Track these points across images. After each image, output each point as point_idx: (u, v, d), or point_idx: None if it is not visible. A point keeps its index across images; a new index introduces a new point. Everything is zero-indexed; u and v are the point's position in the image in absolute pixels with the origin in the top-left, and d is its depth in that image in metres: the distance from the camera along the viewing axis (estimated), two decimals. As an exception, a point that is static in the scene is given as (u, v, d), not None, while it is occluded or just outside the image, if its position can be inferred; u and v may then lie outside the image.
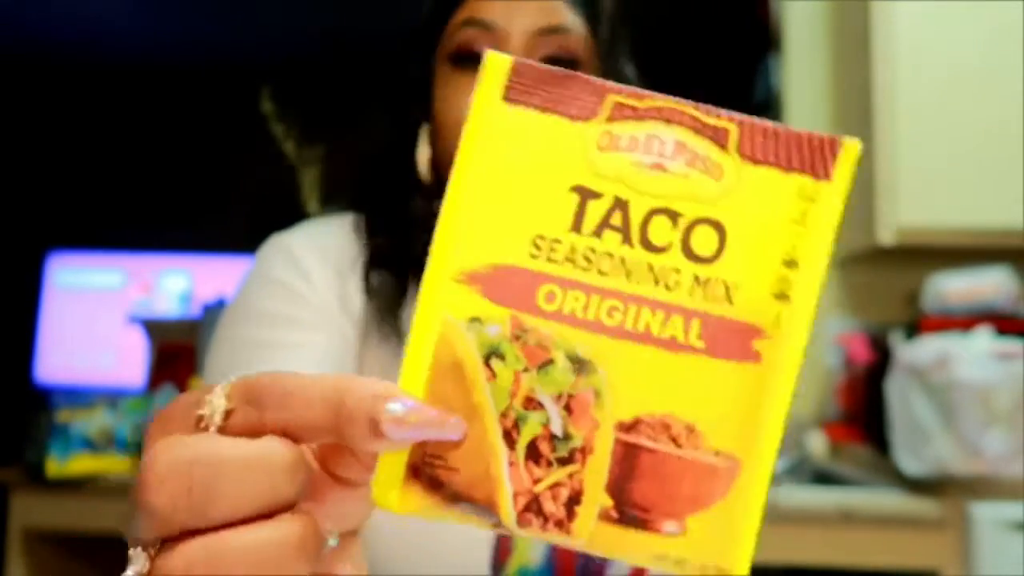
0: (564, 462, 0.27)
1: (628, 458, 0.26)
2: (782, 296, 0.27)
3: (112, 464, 1.52)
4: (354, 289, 0.64)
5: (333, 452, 0.27)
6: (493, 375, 0.27)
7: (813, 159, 0.27)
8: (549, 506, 0.27)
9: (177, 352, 1.99)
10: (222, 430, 0.25)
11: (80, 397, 1.58)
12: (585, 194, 0.27)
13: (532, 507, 0.27)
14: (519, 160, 0.28)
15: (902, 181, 1.77)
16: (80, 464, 1.49)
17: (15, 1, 3.77)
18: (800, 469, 1.83)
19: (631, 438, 0.26)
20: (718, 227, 0.27)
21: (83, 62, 4.57)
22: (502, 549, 0.58)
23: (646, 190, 0.27)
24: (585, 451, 0.27)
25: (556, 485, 0.27)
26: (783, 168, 0.27)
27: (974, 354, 1.46)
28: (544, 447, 0.27)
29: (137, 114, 5.15)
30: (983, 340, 1.53)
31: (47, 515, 1.55)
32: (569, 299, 0.27)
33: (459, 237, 0.27)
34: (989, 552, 1.40)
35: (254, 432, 0.25)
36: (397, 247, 0.65)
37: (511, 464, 0.26)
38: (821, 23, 2.23)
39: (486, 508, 0.27)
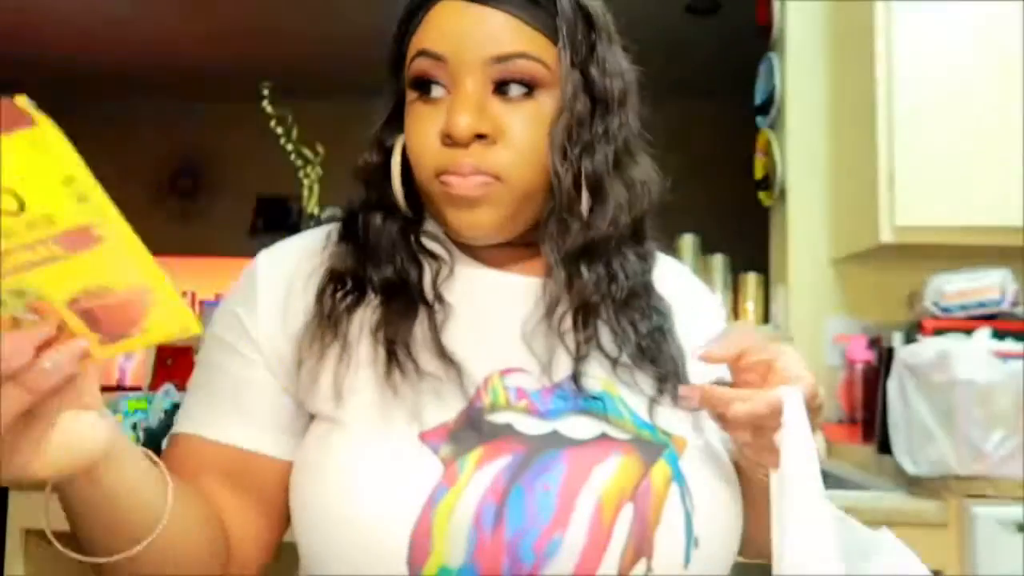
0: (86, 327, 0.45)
1: (89, 316, 0.45)
2: (81, 199, 0.40)
3: (112, 464, 1.52)
4: (299, 307, 0.68)
5: None
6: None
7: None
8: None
9: (177, 352, 1.99)
10: None
11: (80, 397, 1.57)
12: None
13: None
14: None
15: (902, 181, 1.77)
16: (80, 464, 1.49)
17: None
18: (800, 469, 1.83)
19: (80, 307, 0.44)
20: (14, 194, 0.39)
21: (82, 61, 4.57)
22: (419, 548, 0.57)
23: None
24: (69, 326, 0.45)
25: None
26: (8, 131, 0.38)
27: (974, 354, 1.46)
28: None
29: (137, 114, 5.14)
30: (983, 340, 1.53)
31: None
32: None
33: None
34: (989, 552, 1.40)
35: None
36: (355, 261, 0.69)
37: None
38: (821, 23, 2.23)
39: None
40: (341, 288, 0.68)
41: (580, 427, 0.63)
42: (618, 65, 0.70)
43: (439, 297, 0.67)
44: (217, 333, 0.69)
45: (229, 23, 4.05)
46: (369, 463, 0.60)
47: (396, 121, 0.70)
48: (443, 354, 0.64)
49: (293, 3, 3.76)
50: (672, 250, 0.82)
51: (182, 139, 5.13)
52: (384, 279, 0.68)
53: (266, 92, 2.48)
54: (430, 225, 0.73)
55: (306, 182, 2.50)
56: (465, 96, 0.64)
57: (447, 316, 0.67)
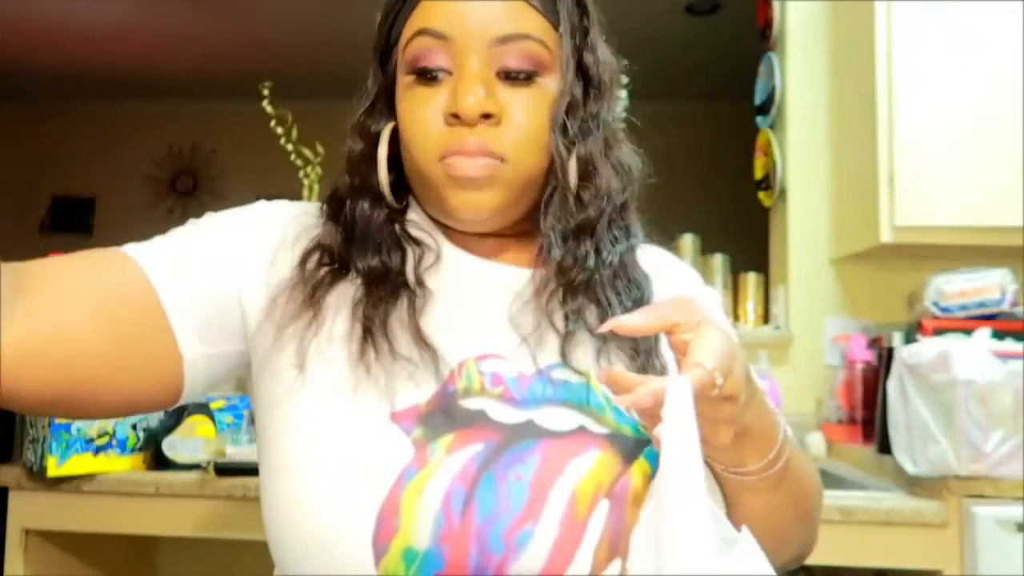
0: None
1: None
2: None
3: (112, 464, 1.52)
4: (285, 260, 0.68)
5: None
6: None
7: None
8: None
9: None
10: None
11: (80, 397, 1.57)
12: None
13: None
14: None
15: (902, 181, 1.77)
16: (80, 464, 1.49)
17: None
18: (800, 469, 1.83)
19: None
20: None
21: (83, 62, 4.57)
22: (385, 528, 0.55)
23: None
24: None
25: None
26: None
27: (974, 354, 1.46)
28: None
29: (137, 114, 5.14)
30: (983, 340, 1.53)
31: (47, 515, 1.55)
32: None
33: None
34: (989, 552, 1.40)
35: None
36: (337, 240, 0.69)
37: None
38: (821, 23, 2.24)
39: None
40: (326, 258, 0.68)
41: (558, 418, 0.62)
42: (606, 54, 0.71)
43: (420, 282, 0.67)
44: (220, 216, 0.69)
45: (229, 23, 4.05)
46: (338, 439, 0.59)
47: (381, 107, 0.70)
48: (420, 338, 0.63)
49: (294, 3, 3.76)
50: (672, 250, 0.82)
51: (182, 139, 5.13)
52: (369, 268, 0.68)
53: (266, 92, 2.47)
54: (413, 214, 0.72)
55: (306, 182, 2.50)
56: (471, 75, 0.63)
57: (427, 301, 0.67)
